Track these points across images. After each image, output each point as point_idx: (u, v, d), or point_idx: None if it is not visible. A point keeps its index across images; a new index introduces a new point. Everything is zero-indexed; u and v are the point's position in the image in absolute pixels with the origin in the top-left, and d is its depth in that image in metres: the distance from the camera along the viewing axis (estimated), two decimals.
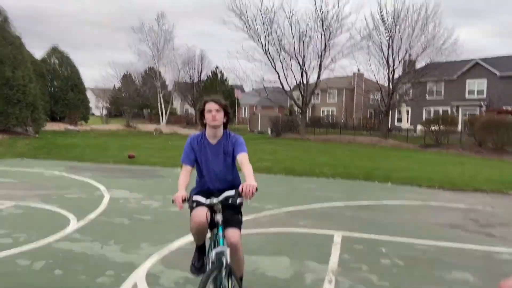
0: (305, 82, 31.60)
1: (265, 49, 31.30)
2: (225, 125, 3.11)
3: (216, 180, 3.15)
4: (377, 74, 30.52)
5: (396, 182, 10.96)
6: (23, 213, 6.47)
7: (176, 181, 3.08)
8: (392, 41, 27.35)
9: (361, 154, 19.72)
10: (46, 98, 21.10)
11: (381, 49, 28.09)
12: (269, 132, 35.28)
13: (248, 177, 2.79)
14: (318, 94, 47.70)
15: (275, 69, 31.66)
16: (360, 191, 9.71)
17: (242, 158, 2.97)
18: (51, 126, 23.83)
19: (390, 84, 28.12)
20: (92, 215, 6.37)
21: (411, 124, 37.31)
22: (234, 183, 3.17)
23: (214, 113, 2.97)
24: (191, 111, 52.15)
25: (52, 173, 10.66)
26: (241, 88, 53.54)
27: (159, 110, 39.42)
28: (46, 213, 6.45)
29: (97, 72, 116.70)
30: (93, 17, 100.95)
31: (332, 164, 14.50)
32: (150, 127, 32.64)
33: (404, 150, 23.37)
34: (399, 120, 40.62)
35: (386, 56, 27.84)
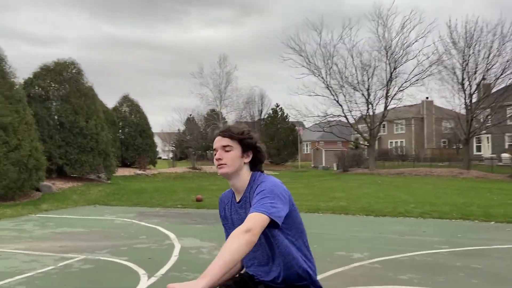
0: (371, 113, 30.26)
1: (327, 83, 30.64)
2: (253, 166, 1.92)
3: (250, 262, 1.98)
4: (452, 100, 28.53)
5: (500, 220, 9.43)
6: (93, 268, 6.03)
7: None
8: (467, 64, 25.48)
9: (444, 187, 17.90)
10: (118, 144, 21.86)
11: (454, 73, 26.26)
12: (335, 167, 33.92)
13: (211, 265, 1.41)
14: (384, 126, 45.75)
15: (338, 102, 30.75)
16: (460, 232, 8.37)
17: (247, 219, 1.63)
18: (122, 172, 24.50)
19: (468, 110, 25.98)
20: (163, 270, 5.77)
21: (492, 152, 34.14)
22: (288, 266, 1.85)
23: (219, 152, 1.86)
24: None
25: (122, 221, 10.43)
26: (302, 125, 52.95)
27: None
28: (115, 268, 5.97)
29: (163, 118, 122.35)
30: (156, 66, 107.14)
31: (415, 201, 13.08)
32: (215, 168, 32.47)
33: (492, 181, 21.04)
34: (478, 148, 37.46)
35: (460, 81, 25.92)
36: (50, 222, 10.29)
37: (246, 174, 1.89)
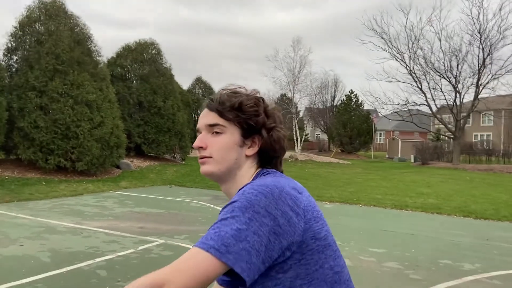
0: (458, 103, 27.74)
1: (410, 69, 28.52)
2: (264, 162, 1.12)
3: None
4: None
5: None
6: (172, 255, 5.69)
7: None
8: None
9: None
10: (191, 126, 22.04)
11: None
12: (412, 159, 31.79)
13: None
14: (470, 117, 42.13)
15: (421, 89, 28.53)
16: None
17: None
18: (195, 153, 24.74)
19: None
20: None
21: None
22: None
23: (201, 136, 1.11)
24: (323, 137, 50.65)
25: (198, 203, 10.19)
26: (376, 113, 50.55)
27: (294, 136, 38.97)
28: None
29: None
30: (230, 51, 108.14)
31: None
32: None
33: None
34: None
35: None
36: (129, 201, 10.32)
37: (248, 175, 1.09)
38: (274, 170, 1.09)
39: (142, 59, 18.66)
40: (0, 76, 13.20)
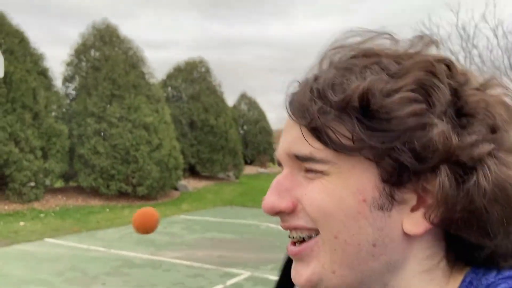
0: None
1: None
2: (470, 259, 0.48)
3: None
4: None
5: None
6: None
7: None
8: None
9: None
10: (240, 142, 21.78)
11: None
12: None
13: None
14: None
15: None
16: None
17: None
18: (245, 170, 24.38)
19: None
20: None
21: None
22: None
23: (278, 180, 0.51)
24: None
25: (268, 226, 9.61)
26: None
27: None
28: None
29: (275, 115, 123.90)
30: (266, 62, 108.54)
31: None
32: None
33: None
34: None
35: None
36: (196, 225, 9.91)
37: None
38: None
39: (192, 78, 18.55)
40: (59, 104, 13.34)
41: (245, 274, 5.87)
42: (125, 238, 8.46)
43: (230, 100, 35.08)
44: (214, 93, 18.40)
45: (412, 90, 0.43)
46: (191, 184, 16.65)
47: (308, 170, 0.48)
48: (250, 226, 9.76)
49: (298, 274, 0.50)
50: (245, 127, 30.98)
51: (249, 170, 26.19)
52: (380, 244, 0.46)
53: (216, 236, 8.55)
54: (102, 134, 13.04)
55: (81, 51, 14.11)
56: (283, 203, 0.49)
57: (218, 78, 19.38)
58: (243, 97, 32.44)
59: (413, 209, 0.45)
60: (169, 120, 14.32)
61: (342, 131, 0.44)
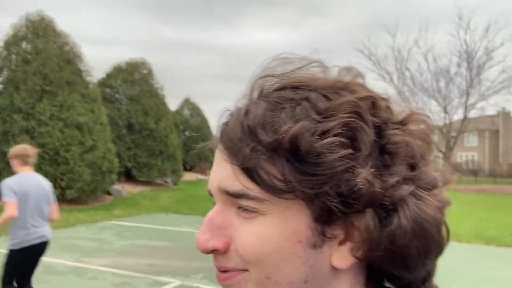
0: (447, 123, 27.95)
1: (398, 89, 28.64)
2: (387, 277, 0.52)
3: None
4: None
5: None
6: None
7: None
8: None
9: None
10: (180, 148, 21.37)
11: None
12: None
13: None
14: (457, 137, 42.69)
15: None
16: None
17: None
18: (184, 176, 23.98)
19: None
20: None
21: None
22: None
23: (210, 217, 0.49)
24: None
25: None
26: None
27: None
28: None
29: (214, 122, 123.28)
30: (212, 69, 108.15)
31: None
32: None
33: None
34: None
35: None
36: (128, 232, 9.50)
37: None
38: None
39: (132, 79, 17.99)
40: None
41: (175, 282, 5.68)
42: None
43: (173, 104, 34.53)
44: (155, 96, 17.95)
45: (340, 134, 0.44)
46: (126, 188, 16.02)
47: (241, 208, 0.47)
48: (184, 234, 9.54)
49: None
50: (186, 133, 30.57)
51: (188, 176, 25.76)
52: (311, 280, 0.47)
53: (147, 244, 8.24)
54: (30, 132, 12.20)
55: (11, 43, 13.18)
56: (216, 243, 0.48)
57: (161, 81, 19.02)
58: (187, 102, 31.99)
59: (341, 243, 0.47)
60: (105, 121, 13.72)
61: (274, 173, 0.44)
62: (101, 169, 12.72)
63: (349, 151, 0.44)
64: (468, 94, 26.93)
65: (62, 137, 12.13)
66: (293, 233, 0.45)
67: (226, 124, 0.49)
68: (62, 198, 12.25)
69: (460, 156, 44.37)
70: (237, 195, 0.46)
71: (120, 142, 16.97)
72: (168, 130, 17.91)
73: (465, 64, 26.61)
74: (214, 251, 0.48)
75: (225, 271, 0.48)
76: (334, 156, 0.43)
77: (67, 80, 12.79)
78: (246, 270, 0.47)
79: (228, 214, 0.48)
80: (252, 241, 0.46)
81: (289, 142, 0.44)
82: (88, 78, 13.98)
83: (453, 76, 26.89)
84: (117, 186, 14.89)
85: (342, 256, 0.46)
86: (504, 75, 25.95)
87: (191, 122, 30.45)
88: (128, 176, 17.66)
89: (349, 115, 0.45)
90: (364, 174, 0.43)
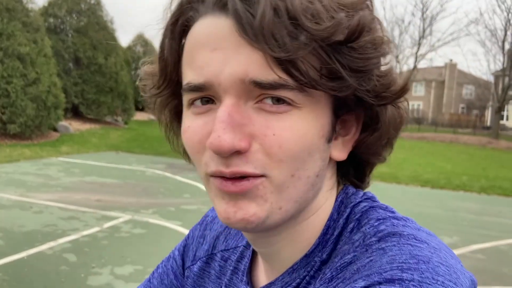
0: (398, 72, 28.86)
1: None
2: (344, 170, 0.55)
3: None
4: (485, 65, 26.97)
5: None
6: (145, 234, 5.13)
7: None
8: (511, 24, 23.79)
9: (482, 158, 16.97)
10: (132, 86, 20.65)
11: (494, 35, 24.61)
12: None
13: None
14: None
15: None
16: None
17: None
18: (136, 116, 23.46)
19: (506, 75, 24.59)
20: None
21: None
22: None
23: (225, 111, 0.43)
24: None
25: (153, 173, 9.49)
26: None
27: None
28: (173, 236, 5.05)
29: None
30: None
31: (464, 172, 12.14)
32: None
33: None
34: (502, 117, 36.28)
35: (502, 43, 24.32)
36: (76, 169, 9.35)
37: (324, 213, 0.51)
38: (378, 203, 0.53)
39: (79, 9, 16.80)
40: None
41: (125, 217, 5.76)
42: None
43: (124, 40, 32.80)
44: (104, 29, 16.98)
45: (377, 31, 0.44)
46: (73, 126, 15.51)
47: (264, 101, 0.43)
48: (135, 172, 9.54)
49: (242, 210, 0.44)
50: (138, 71, 29.38)
51: (140, 116, 25.20)
52: (321, 174, 0.48)
53: (96, 180, 8.19)
54: None
55: None
56: (242, 142, 0.42)
57: (111, 14, 17.93)
58: (140, 38, 30.48)
59: (343, 136, 0.49)
60: (49, 53, 12.92)
61: (315, 65, 0.41)
62: (46, 104, 12.16)
63: (388, 49, 0.45)
64: (419, 44, 27.69)
65: (2, 68, 11.37)
66: (322, 127, 0.45)
67: (245, 1, 0.41)
68: (4, 133, 11.73)
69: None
70: (272, 86, 0.41)
71: (67, 76, 16.15)
72: (119, 67, 17.20)
73: (419, 14, 27.09)
74: (234, 154, 0.42)
75: (239, 179, 0.44)
76: (377, 53, 0.43)
77: (6, 6, 11.76)
78: (263, 176, 0.43)
79: (246, 110, 0.43)
80: (288, 138, 0.42)
81: (350, 33, 0.41)
82: (30, 6, 12.92)
83: (407, 25, 27.39)
84: (64, 123, 14.37)
85: (340, 148, 0.49)
86: (454, 27, 26.77)
87: (144, 59, 29.34)
88: (75, 113, 17.03)
89: (371, 12, 0.44)
90: (395, 71, 0.46)
